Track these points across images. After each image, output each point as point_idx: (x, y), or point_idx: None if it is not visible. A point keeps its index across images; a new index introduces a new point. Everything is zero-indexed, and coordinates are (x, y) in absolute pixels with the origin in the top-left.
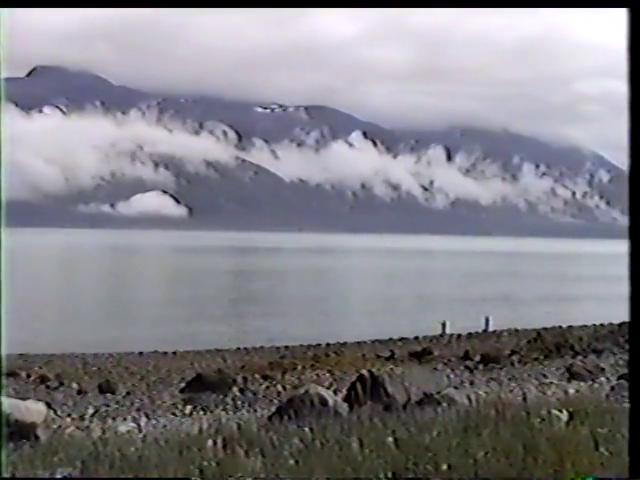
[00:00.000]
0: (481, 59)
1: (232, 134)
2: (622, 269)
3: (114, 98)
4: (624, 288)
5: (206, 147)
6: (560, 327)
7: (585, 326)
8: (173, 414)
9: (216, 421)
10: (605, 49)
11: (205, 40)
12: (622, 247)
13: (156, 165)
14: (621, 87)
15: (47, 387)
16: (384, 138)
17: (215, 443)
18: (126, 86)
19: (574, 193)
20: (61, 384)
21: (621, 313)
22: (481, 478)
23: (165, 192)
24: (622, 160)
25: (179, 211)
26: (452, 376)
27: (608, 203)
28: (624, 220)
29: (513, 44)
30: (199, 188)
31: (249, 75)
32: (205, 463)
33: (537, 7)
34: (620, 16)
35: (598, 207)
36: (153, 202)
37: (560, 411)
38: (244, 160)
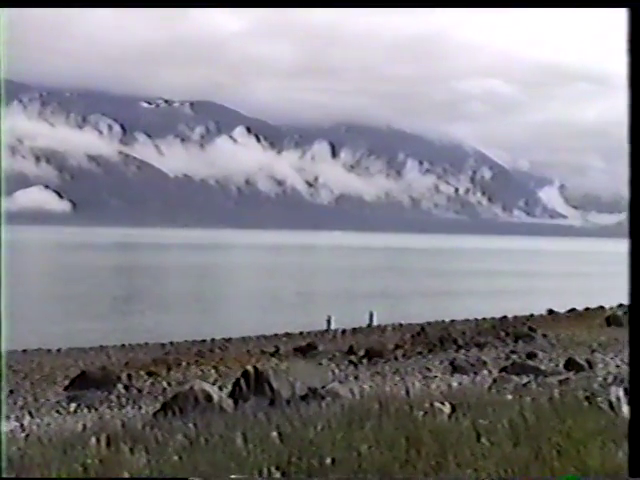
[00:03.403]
0: (365, 57)
1: (116, 129)
2: (502, 264)
3: None
4: (504, 282)
5: (89, 141)
6: (443, 321)
7: (468, 320)
8: (57, 412)
9: (100, 418)
10: (485, 49)
11: (90, 34)
12: (502, 243)
13: (37, 159)
14: (501, 87)
15: None
16: (268, 133)
17: (99, 441)
18: (7, 78)
19: (457, 190)
20: None
21: (502, 307)
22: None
23: (47, 187)
24: (504, 157)
25: (62, 206)
26: (337, 371)
27: (490, 200)
28: (505, 216)
29: (396, 43)
30: (82, 183)
31: (135, 70)
32: (89, 461)
33: (537, 7)
34: (500, 17)
35: (480, 203)
36: (35, 197)
37: (443, 404)
38: (127, 155)
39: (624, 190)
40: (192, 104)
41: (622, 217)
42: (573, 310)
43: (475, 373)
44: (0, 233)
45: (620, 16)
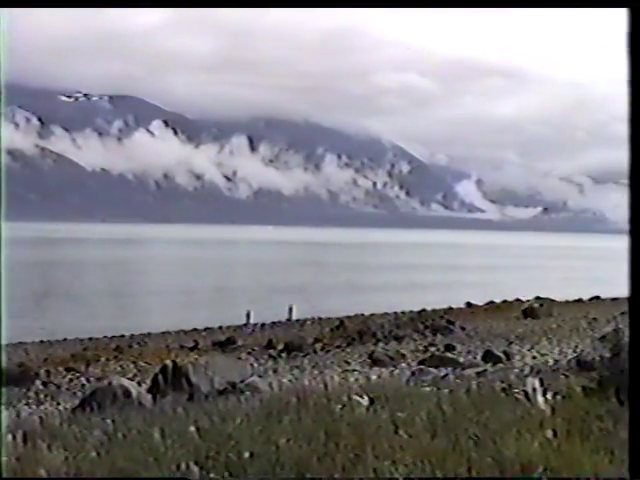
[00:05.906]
0: (283, 52)
1: (33, 122)
2: (420, 258)
3: None
4: (423, 276)
5: (5, 134)
6: (362, 315)
7: (386, 314)
8: None
9: (18, 416)
10: (400, 44)
11: (5, 26)
12: (420, 236)
13: None
14: (417, 81)
15: None
16: (186, 127)
17: (15, 438)
18: None
19: (375, 183)
20: None
21: (421, 300)
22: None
23: None
24: (421, 152)
25: None
26: (256, 365)
27: (408, 193)
28: (423, 210)
29: (313, 38)
30: None
31: (53, 63)
32: (4, 459)
33: (537, 7)
34: (414, 13)
35: (398, 197)
36: None
37: (361, 397)
38: (44, 148)
39: (539, 184)
40: (111, 98)
41: (537, 211)
42: (491, 303)
43: (394, 366)
44: (0, 233)
45: (535, 12)
